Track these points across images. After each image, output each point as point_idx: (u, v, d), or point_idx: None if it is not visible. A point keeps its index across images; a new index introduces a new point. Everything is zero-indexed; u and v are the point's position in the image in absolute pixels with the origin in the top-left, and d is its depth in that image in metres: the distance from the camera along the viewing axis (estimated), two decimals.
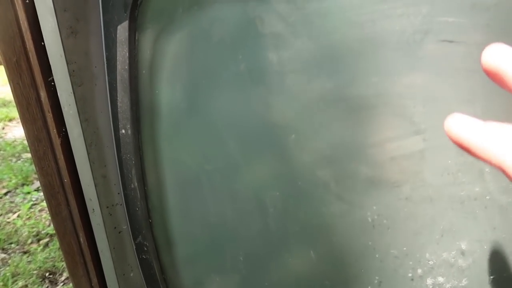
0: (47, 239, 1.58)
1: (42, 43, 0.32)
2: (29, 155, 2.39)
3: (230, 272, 0.41)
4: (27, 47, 0.32)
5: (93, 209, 0.38)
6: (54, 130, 0.35)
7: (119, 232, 0.40)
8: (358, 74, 0.27)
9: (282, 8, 0.27)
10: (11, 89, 0.33)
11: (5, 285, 1.31)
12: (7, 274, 1.35)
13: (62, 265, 1.39)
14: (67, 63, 0.33)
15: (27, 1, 0.31)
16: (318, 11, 0.27)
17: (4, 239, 1.58)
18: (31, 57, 0.32)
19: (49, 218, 1.71)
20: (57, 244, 1.43)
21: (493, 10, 0.25)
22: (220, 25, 0.29)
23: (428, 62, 0.27)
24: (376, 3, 0.26)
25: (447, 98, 0.27)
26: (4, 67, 0.33)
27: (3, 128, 2.87)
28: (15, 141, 2.61)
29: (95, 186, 0.37)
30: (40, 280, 1.36)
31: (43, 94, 0.33)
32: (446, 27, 0.26)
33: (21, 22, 0.31)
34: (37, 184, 2.02)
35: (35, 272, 1.37)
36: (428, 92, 0.27)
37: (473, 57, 0.26)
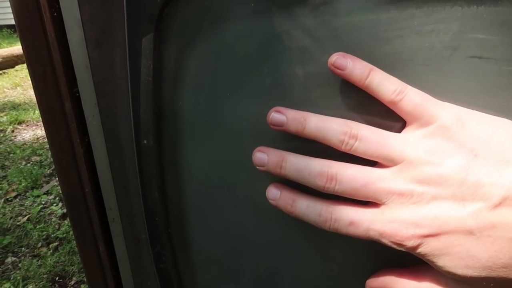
0: (56, 243, 1.59)
1: (68, 55, 0.33)
2: (38, 158, 2.41)
3: (247, 283, 0.41)
4: (54, 58, 0.32)
5: (113, 219, 0.39)
6: (78, 140, 0.35)
7: (138, 242, 0.40)
8: None
9: (309, 23, 0.28)
10: (37, 100, 0.34)
11: None
12: (18, 278, 1.36)
13: (72, 269, 1.40)
14: (92, 75, 0.33)
15: (55, 14, 0.31)
16: (345, 26, 0.27)
17: (14, 243, 1.60)
18: (57, 68, 0.33)
19: (59, 221, 1.72)
20: (67, 248, 1.44)
21: None
22: (245, 38, 0.29)
23: (456, 78, 0.26)
24: (404, 20, 0.26)
25: None
26: (31, 77, 0.33)
27: (13, 131, 2.90)
28: (24, 144, 2.64)
29: (116, 196, 0.38)
30: (50, 284, 1.36)
31: (67, 104, 0.34)
32: (475, 43, 0.26)
33: (48, 34, 0.32)
34: (46, 187, 2.03)
35: (45, 276, 1.38)
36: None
37: (501, 74, 0.26)
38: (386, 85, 0.26)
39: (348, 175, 0.27)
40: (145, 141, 0.35)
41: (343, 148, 0.27)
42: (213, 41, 0.31)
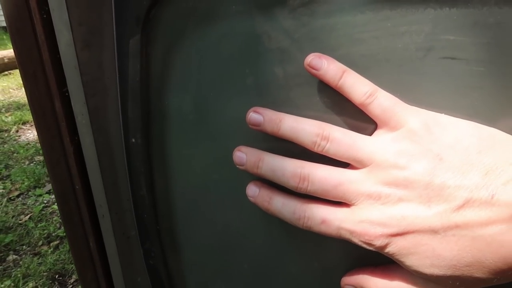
0: (57, 241, 1.60)
1: (58, 56, 0.34)
2: (41, 158, 2.43)
3: (235, 280, 0.42)
4: (44, 59, 0.33)
5: (103, 215, 0.40)
6: (67, 139, 0.36)
7: (128, 238, 0.41)
8: None
9: (288, 24, 0.28)
10: (28, 99, 0.35)
11: (16, 286, 1.33)
12: (18, 275, 1.38)
13: (72, 268, 1.41)
14: (81, 75, 0.34)
15: (45, 16, 0.32)
16: (322, 27, 0.28)
17: (16, 241, 1.61)
18: (47, 68, 0.34)
19: (60, 220, 1.74)
20: (67, 247, 1.46)
21: (495, 28, 0.25)
22: (228, 40, 0.30)
23: (431, 78, 0.27)
24: (379, 21, 0.27)
25: (449, 113, 0.27)
26: (22, 77, 0.34)
27: (17, 131, 2.93)
28: (28, 143, 2.67)
29: (105, 192, 0.39)
30: (50, 282, 1.38)
31: (57, 104, 0.35)
32: (448, 44, 0.26)
33: (38, 35, 0.33)
34: (49, 186, 2.05)
35: (45, 274, 1.40)
36: (431, 108, 0.27)
37: (473, 74, 0.27)
38: (358, 87, 0.27)
39: (319, 176, 0.28)
40: (133, 140, 0.36)
41: (315, 149, 0.28)
42: (197, 42, 0.32)
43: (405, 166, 0.26)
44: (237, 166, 0.31)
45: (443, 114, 0.27)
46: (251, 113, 0.29)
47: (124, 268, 0.42)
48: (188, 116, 0.34)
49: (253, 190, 0.31)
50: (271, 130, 0.29)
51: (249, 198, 0.32)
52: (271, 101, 0.30)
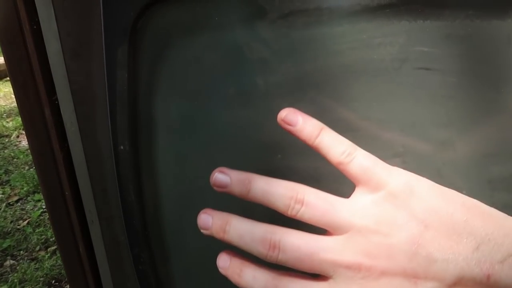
0: (54, 247, 1.61)
1: (47, 65, 0.34)
2: None
3: (225, 286, 0.42)
4: (33, 68, 0.34)
5: (92, 221, 0.40)
6: (57, 146, 0.37)
7: (117, 243, 0.42)
8: (340, 99, 0.29)
9: (268, 36, 0.29)
10: (18, 107, 0.36)
11: None
12: (15, 281, 1.38)
13: None
14: (70, 83, 0.35)
15: (35, 27, 0.33)
16: (301, 39, 0.29)
17: (13, 246, 1.62)
18: (36, 77, 0.35)
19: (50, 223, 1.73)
20: None
21: (466, 41, 0.26)
22: (211, 50, 0.31)
23: (406, 88, 0.28)
24: (355, 33, 0.27)
25: (424, 122, 0.28)
26: (12, 86, 0.35)
27: (18, 137, 2.94)
28: (28, 149, 2.67)
29: (95, 199, 0.39)
30: (46, 287, 1.38)
31: (47, 111, 0.36)
32: (422, 56, 0.27)
33: (28, 45, 0.34)
34: None
35: (41, 279, 1.40)
36: (407, 117, 0.28)
37: (448, 84, 0.27)
38: (335, 145, 0.25)
39: (291, 243, 0.24)
40: (121, 147, 0.37)
41: (289, 213, 0.25)
42: (182, 53, 0.32)
43: (388, 234, 0.23)
44: (202, 231, 0.28)
45: (424, 178, 0.25)
46: (216, 174, 0.27)
47: (113, 273, 0.43)
48: (174, 123, 0.35)
49: (223, 260, 0.28)
50: (239, 192, 0.26)
51: (220, 270, 0.28)
52: (253, 110, 0.31)
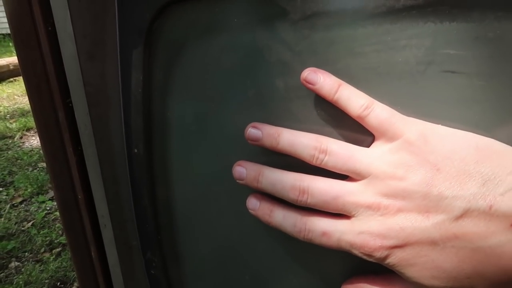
0: (59, 249, 1.60)
1: (62, 67, 0.34)
2: (45, 164, 2.44)
3: None
4: (48, 70, 0.34)
5: (105, 225, 0.40)
6: (70, 149, 0.36)
7: (129, 248, 0.41)
8: None
9: (289, 37, 0.29)
10: (31, 109, 0.35)
11: None
12: (20, 283, 1.38)
13: (73, 275, 1.41)
14: (85, 86, 0.34)
15: (49, 28, 0.33)
16: (323, 41, 0.28)
17: (18, 247, 1.62)
18: (51, 79, 0.34)
19: (62, 227, 1.73)
20: (69, 254, 1.46)
21: (495, 42, 0.26)
22: (229, 52, 0.31)
23: (431, 91, 0.27)
24: (379, 35, 0.27)
25: (450, 126, 0.27)
26: (26, 88, 0.34)
27: (21, 138, 2.94)
28: (32, 150, 2.68)
29: (108, 202, 0.39)
30: None
31: (61, 114, 0.35)
32: (448, 58, 0.26)
33: (42, 47, 0.33)
34: (51, 193, 2.06)
35: (46, 281, 1.39)
36: (431, 120, 0.27)
37: (474, 88, 0.27)
38: (354, 100, 0.27)
39: (319, 189, 0.28)
40: (135, 150, 0.36)
41: (314, 162, 0.28)
42: (199, 55, 0.32)
43: (403, 177, 0.26)
44: (237, 181, 0.31)
45: (439, 125, 0.27)
46: (249, 129, 0.30)
47: (125, 278, 0.42)
48: (190, 127, 0.35)
49: (253, 203, 0.31)
50: (270, 144, 0.29)
51: (249, 211, 0.32)
52: (272, 114, 0.30)
